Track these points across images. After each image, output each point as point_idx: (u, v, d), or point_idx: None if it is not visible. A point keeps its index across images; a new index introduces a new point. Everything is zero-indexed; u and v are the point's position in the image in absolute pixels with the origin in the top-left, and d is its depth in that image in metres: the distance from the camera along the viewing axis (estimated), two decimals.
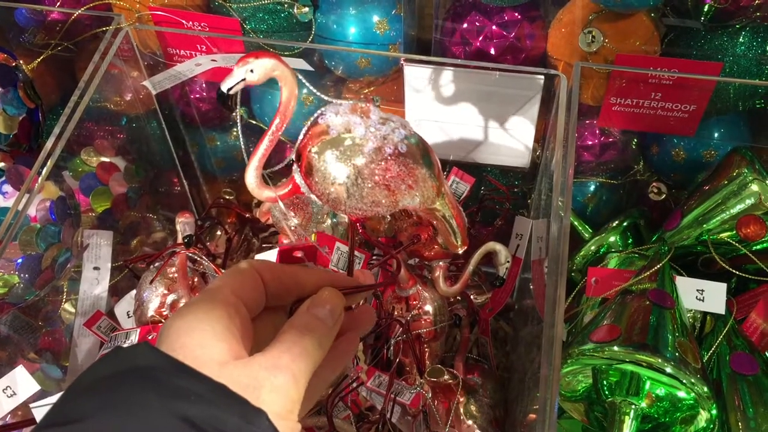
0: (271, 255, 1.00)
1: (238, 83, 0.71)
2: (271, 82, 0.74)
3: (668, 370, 0.72)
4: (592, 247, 1.05)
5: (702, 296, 0.86)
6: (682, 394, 0.75)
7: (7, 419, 0.83)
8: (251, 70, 0.71)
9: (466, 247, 0.86)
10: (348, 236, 0.88)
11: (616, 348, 0.74)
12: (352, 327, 0.50)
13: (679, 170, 1.04)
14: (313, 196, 0.76)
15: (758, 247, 0.90)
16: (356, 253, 0.86)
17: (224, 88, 0.72)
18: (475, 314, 1.07)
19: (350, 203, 0.71)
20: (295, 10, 1.02)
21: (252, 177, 0.75)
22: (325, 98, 0.90)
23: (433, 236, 0.90)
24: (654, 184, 1.08)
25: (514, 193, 1.13)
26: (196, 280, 0.98)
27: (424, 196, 0.75)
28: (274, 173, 0.90)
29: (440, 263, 0.94)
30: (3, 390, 0.80)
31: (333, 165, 0.69)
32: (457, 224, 0.83)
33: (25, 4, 1.06)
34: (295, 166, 0.74)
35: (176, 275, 0.96)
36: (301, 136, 0.73)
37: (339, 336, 0.48)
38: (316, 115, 0.73)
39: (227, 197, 1.29)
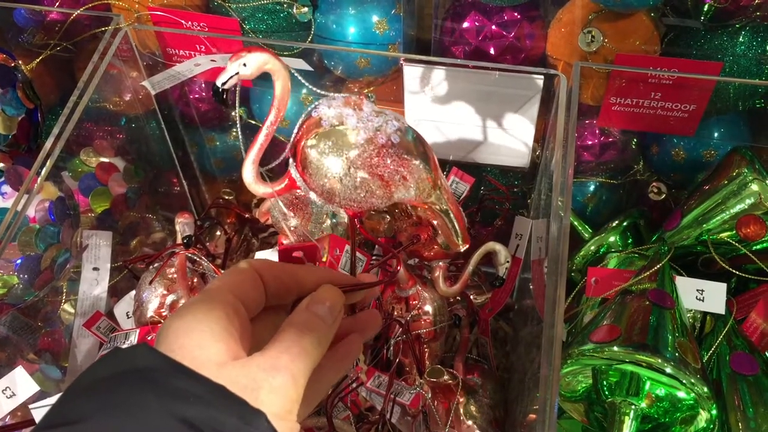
0: (271, 254, 1.00)
1: (231, 77, 0.72)
2: (270, 83, 0.74)
3: (668, 370, 0.72)
4: (592, 247, 1.05)
5: (702, 296, 0.86)
6: (682, 394, 0.75)
7: (7, 420, 0.83)
8: (244, 64, 0.72)
9: (467, 245, 0.86)
10: (348, 237, 0.88)
11: (615, 348, 0.74)
12: (356, 329, 0.49)
13: (679, 170, 1.04)
14: (312, 195, 0.76)
15: (758, 246, 0.90)
16: (358, 255, 0.86)
17: (218, 83, 0.73)
18: (475, 314, 1.07)
19: (344, 194, 0.71)
20: (295, 10, 1.02)
21: (249, 172, 0.75)
22: (325, 95, 0.90)
23: (432, 236, 0.90)
24: (654, 183, 1.08)
25: (513, 193, 1.12)
26: (195, 280, 0.98)
27: (419, 188, 0.75)
28: (272, 172, 0.90)
29: (440, 263, 0.94)
30: (2, 391, 0.80)
31: (326, 156, 0.70)
32: (457, 221, 0.83)
33: (24, 4, 1.06)
34: (290, 161, 0.74)
35: (175, 276, 0.96)
36: (295, 130, 0.73)
37: (342, 338, 0.48)
38: (309, 108, 0.73)
39: (227, 197, 1.29)
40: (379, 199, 0.73)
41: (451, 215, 0.82)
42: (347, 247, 0.84)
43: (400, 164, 0.72)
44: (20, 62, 1.01)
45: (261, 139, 0.75)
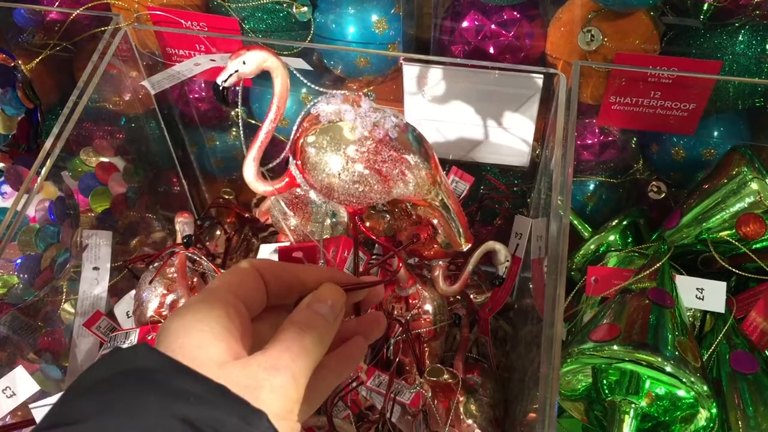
0: (272, 253, 1.00)
1: (231, 75, 0.73)
2: (270, 83, 0.75)
3: (668, 369, 0.72)
4: (592, 246, 1.05)
5: (702, 295, 0.86)
6: (681, 393, 0.75)
7: (7, 419, 0.83)
8: (243, 62, 0.72)
9: (470, 245, 0.86)
10: (347, 236, 0.88)
11: (615, 347, 0.74)
12: (360, 332, 0.49)
13: (679, 169, 1.04)
14: (312, 194, 0.76)
15: (758, 245, 0.90)
16: (359, 253, 0.86)
17: (219, 81, 0.73)
18: (475, 313, 1.07)
19: (342, 189, 0.72)
20: (294, 10, 1.02)
21: (249, 170, 0.76)
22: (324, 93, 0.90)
23: (432, 236, 0.90)
24: (653, 182, 1.08)
25: (513, 192, 1.12)
26: (195, 280, 0.98)
27: (418, 184, 0.75)
28: (272, 171, 0.90)
29: (440, 262, 0.94)
30: (2, 390, 0.80)
31: (324, 152, 0.70)
32: (459, 219, 0.83)
33: (23, 4, 1.06)
34: (290, 158, 0.75)
35: (175, 275, 0.96)
36: (295, 128, 0.74)
37: (345, 340, 0.48)
38: (308, 106, 0.73)
39: (226, 197, 1.29)
40: (378, 194, 0.73)
41: (453, 214, 0.82)
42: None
43: (398, 159, 0.72)
44: (20, 62, 1.00)
45: (261, 137, 0.75)
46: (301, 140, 0.71)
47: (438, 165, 0.78)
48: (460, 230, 0.84)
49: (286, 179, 0.76)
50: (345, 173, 0.70)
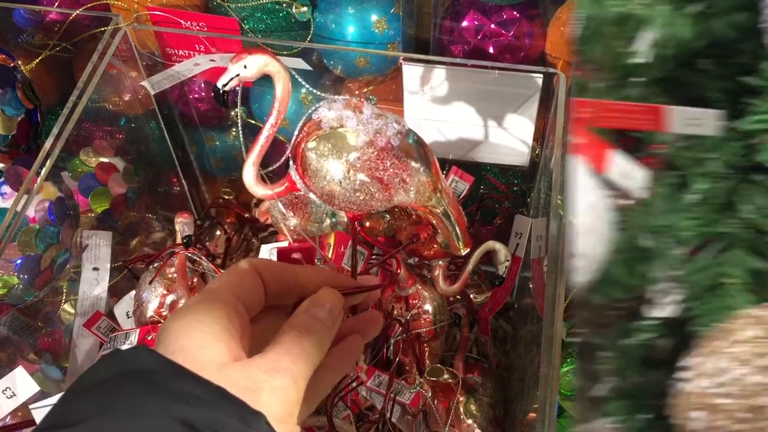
0: (271, 250, 1.00)
1: (232, 79, 0.72)
2: (270, 83, 0.75)
3: None
4: None
5: None
6: None
7: (7, 420, 0.83)
8: (245, 66, 0.72)
9: (468, 249, 0.86)
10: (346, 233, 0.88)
11: None
12: (357, 330, 0.49)
13: None
14: (311, 195, 0.76)
15: None
16: (359, 249, 0.86)
17: (219, 84, 0.73)
18: (475, 313, 1.07)
19: (343, 197, 0.71)
20: (294, 10, 1.02)
21: (249, 174, 0.75)
22: (325, 97, 0.90)
23: (432, 235, 0.90)
24: None
25: (513, 192, 1.12)
26: (195, 280, 0.98)
27: (419, 191, 0.75)
28: (272, 172, 0.90)
29: (440, 262, 0.94)
30: (3, 391, 0.80)
31: (325, 159, 0.70)
32: (458, 224, 0.83)
33: (23, 4, 1.06)
34: (291, 163, 0.75)
35: (175, 275, 0.96)
36: (296, 133, 0.74)
37: (343, 338, 0.48)
38: (310, 111, 0.73)
39: (226, 197, 1.29)
40: (379, 202, 0.73)
41: (452, 219, 0.82)
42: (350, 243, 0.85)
43: (400, 167, 0.72)
44: (20, 62, 1.01)
45: (261, 141, 0.75)
46: (302, 146, 0.71)
47: (439, 171, 0.78)
48: (459, 235, 0.84)
49: (286, 183, 0.76)
50: (346, 181, 0.70)
